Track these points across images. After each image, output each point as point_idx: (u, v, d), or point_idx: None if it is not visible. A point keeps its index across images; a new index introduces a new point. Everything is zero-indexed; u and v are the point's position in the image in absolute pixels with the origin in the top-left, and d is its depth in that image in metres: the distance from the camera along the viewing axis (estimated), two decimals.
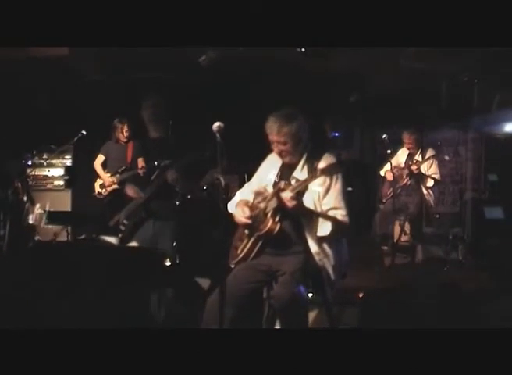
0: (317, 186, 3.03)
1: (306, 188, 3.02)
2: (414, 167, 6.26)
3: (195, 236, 4.85)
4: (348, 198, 3.08)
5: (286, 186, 3.01)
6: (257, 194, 3.23)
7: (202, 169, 5.13)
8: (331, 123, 7.30)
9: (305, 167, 3.10)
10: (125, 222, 4.71)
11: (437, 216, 6.43)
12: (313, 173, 2.93)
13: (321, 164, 3.01)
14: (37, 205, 5.89)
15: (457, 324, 3.34)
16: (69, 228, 6.00)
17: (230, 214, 3.17)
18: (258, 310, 3.15)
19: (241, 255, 3.12)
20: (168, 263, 5.30)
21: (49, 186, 7.03)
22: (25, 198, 5.93)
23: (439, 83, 6.96)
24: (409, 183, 6.33)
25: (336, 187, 3.05)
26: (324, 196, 3.05)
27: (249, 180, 3.47)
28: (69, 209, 6.82)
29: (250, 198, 3.28)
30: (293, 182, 3.03)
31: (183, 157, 5.01)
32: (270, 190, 3.15)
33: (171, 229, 4.86)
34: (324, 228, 3.03)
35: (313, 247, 3.02)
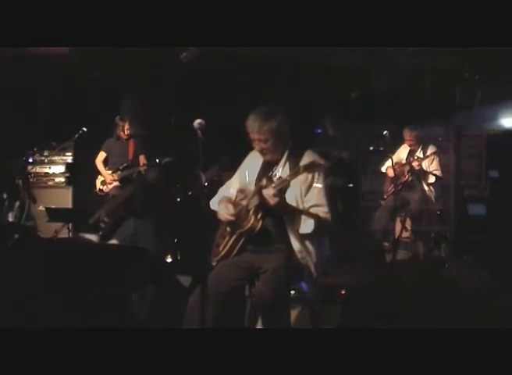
0: (299, 183, 3.00)
1: (288, 185, 2.99)
2: (415, 163, 6.21)
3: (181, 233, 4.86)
4: (331, 195, 3.05)
5: (268, 183, 2.99)
6: (240, 191, 3.21)
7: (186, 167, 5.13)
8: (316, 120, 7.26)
9: (287, 164, 3.08)
10: (105, 219, 4.71)
11: (438, 212, 6.36)
12: (295, 170, 2.90)
13: (304, 161, 2.98)
14: (17, 203, 5.90)
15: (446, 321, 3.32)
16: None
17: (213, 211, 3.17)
18: (240, 308, 3.13)
19: (223, 253, 3.12)
20: (169, 260, 5.33)
21: (50, 183, 7.05)
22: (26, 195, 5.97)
23: (431, 79, 6.91)
24: (410, 179, 6.27)
25: (319, 184, 3.02)
26: (306, 193, 3.02)
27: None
28: (70, 206, 6.85)
29: (233, 195, 3.27)
30: (275, 179, 3.01)
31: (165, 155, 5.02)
32: (252, 187, 3.13)
33: (151, 226, 4.87)
34: (306, 225, 2.99)
35: (295, 244, 3.00)
